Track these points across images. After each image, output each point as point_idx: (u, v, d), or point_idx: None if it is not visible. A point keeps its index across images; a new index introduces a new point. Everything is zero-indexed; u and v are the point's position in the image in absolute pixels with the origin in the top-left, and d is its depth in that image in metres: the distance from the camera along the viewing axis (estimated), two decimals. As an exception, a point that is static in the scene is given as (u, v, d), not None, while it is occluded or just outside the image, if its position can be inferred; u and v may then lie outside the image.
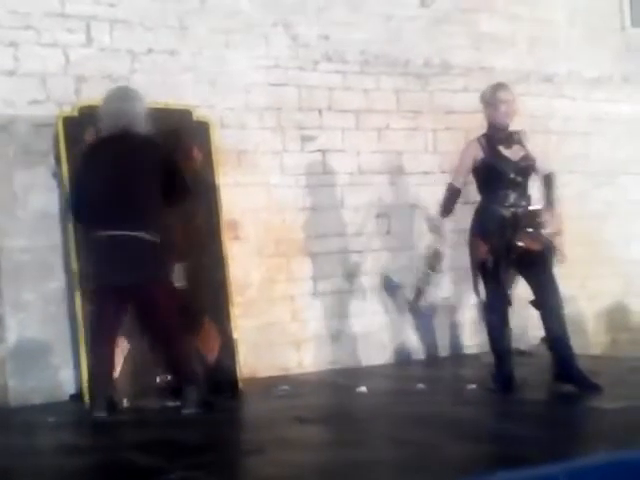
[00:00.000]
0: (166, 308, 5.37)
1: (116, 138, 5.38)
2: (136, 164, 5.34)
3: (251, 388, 6.12)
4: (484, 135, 5.70)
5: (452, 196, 5.77)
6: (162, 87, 6.38)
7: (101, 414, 5.22)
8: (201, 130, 6.44)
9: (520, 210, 5.57)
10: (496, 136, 5.66)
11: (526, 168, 5.65)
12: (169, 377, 5.78)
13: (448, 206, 5.80)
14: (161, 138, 5.80)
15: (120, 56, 6.40)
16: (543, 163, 5.78)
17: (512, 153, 5.65)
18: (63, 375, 5.96)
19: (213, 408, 5.35)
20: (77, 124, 5.97)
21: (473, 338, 7.05)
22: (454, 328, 7.41)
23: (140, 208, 5.28)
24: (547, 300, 5.50)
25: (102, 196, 5.27)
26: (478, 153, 5.64)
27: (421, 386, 5.96)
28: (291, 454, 4.22)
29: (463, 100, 7.59)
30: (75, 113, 6.03)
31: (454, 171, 5.83)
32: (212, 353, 6.08)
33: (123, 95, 5.52)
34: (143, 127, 5.43)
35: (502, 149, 5.63)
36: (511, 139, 5.69)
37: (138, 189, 5.30)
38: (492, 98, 5.66)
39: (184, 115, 6.37)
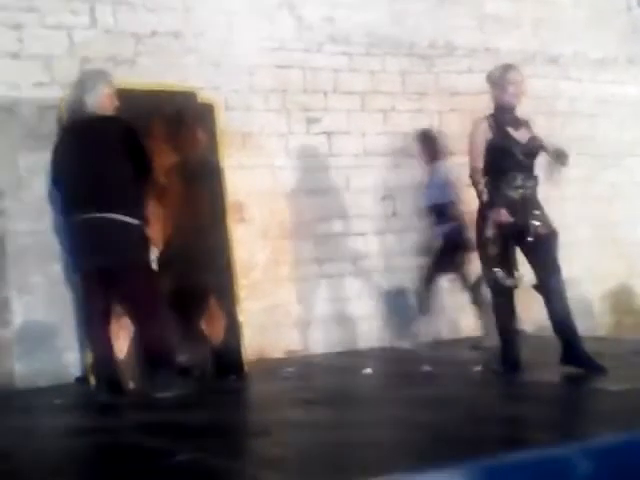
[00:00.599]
0: (140, 291, 5.35)
1: (80, 123, 5.47)
2: (100, 146, 5.38)
3: (257, 370, 6.13)
4: (491, 115, 5.65)
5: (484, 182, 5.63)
6: (166, 69, 6.36)
7: (105, 396, 5.23)
8: (206, 112, 6.42)
9: (528, 191, 5.54)
10: (504, 117, 5.62)
11: (534, 149, 5.61)
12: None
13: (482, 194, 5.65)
14: (163, 120, 5.82)
15: (124, 38, 6.38)
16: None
17: (520, 135, 5.61)
18: (69, 357, 5.97)
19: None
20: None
21: (479, 320, 7.03)
22: (460, 310, 7.40)
23: (109, 189, 5.30)
24: (550, 283, 5.48)
25: (73, 180, 5.37)
26: (487, 134, 5.58)
27: (427, 368, 5.97)
28: (297, 435, 4.22)
29: (468, 81, 7.57)
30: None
31: (471, 156, 5.69)
32: (218, 335, 6.09)
33: (85, 80, 5.53)
34: (108, 108, 5.46)
35: (511, 130, 5.59)
36: (518, 121, 5.65)
37: (106, 171, 5.32)
38: (501, 79, 5.60)
39: (188, 97, 6.35)
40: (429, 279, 6.95)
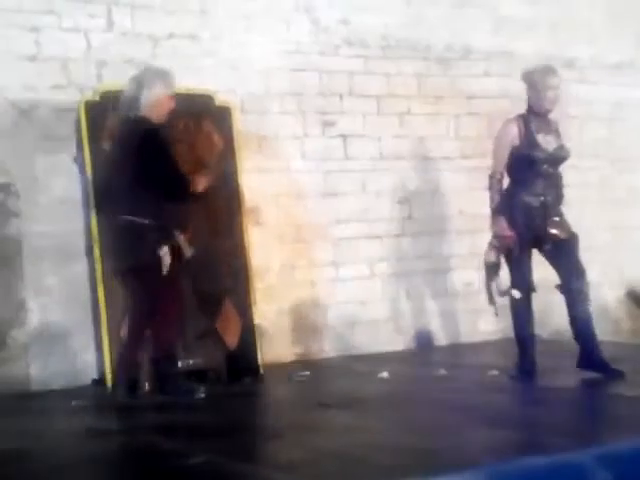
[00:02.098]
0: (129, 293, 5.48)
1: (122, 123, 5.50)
2: (119, 149, 5.46)
3: (272, 373, 6.12)
4: (522, 117, 5.55)
5: (499, 188, 5.56)
6: (183, 72, 6.33)
7: (122, 397, 5.24)
8: (222, 115, 6.42)
9: (549, 199, 5.51)
10: (535, 121, 5.53)
11: (560, 159, 5.56)
12: (191, 361, 5.80)
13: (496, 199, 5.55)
14: (179, 123, 5.83)
15: (141, 41, 6.39)
16: None
17: (548, 141, 5.53)
18: (85, 359, 5.98)
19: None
20: (99, 109, 5.96)
21: (496, 324, 7.01)
22: (476, 314, 7.38)
23: (122, 193, 5.34)
24: (572, 285, 5.45)
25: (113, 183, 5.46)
26: (515, 139, 5.49)
27: (443, 372, 5.95)
28: (312, 439, 4.22)
29: (484, 85, 7.55)
30: (97, 98, 6.03)
31: (494, 158, 5.60)
32: (233, 338, 6.08)
33: (143, 77, 5.51)
34: (161, 110, 5.44)
35: (539, 137, 5.50)
36: (550, 126, 5.58)
37: (120, 176, 5.36)
38: (540, 82, 5.49)
39: (205, 100, 6.36)
40: None
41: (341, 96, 7.16)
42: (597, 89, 8.30)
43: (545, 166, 5.50)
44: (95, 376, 5.95)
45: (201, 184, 5.51)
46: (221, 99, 6.44)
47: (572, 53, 8.22)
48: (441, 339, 7.41)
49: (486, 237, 5.76)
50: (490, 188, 5.55)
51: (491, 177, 5.56)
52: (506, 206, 5.51)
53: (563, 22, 8.21)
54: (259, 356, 6.17)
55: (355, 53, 7.24)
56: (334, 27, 7.16)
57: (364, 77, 7.25)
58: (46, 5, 6.06)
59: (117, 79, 5.88)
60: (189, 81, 6.25)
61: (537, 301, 5.62)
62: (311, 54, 7.07)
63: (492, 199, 5.53)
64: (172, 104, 5.49)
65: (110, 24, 6.30)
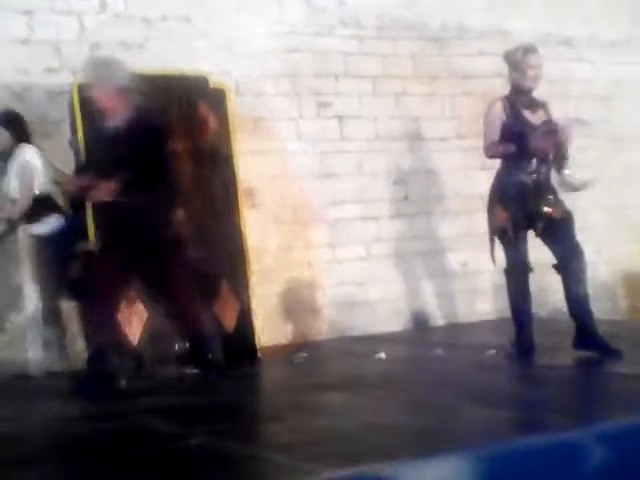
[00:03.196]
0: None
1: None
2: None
3: (269, 355, 6.12)
4: (507, 97, 5.59)
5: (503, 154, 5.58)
6: (177, 54, 6.34)
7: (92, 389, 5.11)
8: (217, 97, 6.38)
9: (541, 176, 5.50)
10: (520, 100, 5.55)
11: (549, 133, 5.55)
12: (187, 344, 5.79)
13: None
14: (174, 105, 5.80)
15: (134, 23, 6.35)
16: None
17: (536, 118, 5.55)
18: (81, 343, 5.96)
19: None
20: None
21: (492, 304, 7.01)
22: (473, 294, 7.38)
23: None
24: (570, 265, 5.45)
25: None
26: (502, 116, 5.52)
27: (440, 352, 5.95)
28: (310, 420, 4.22)
29: (480, 64, 7.53)
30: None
31: (485, 136, 5.61)
32: (230, 320, 6.08)
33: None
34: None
35: (526, 114, 5.53)
36: (535, 103, 5.60)
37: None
38: (521, 62, 5.51)
39: (199, 82, 6.32)
40: None
41: (336, 77, 7.14)
42: (594, 67, 8.28)
43: None
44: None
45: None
46: (215, 81, 6.40)
47: (568, 31, 8.20)
48: (438, 319, 7.42)
49: (481, 217, 5.75)
50: (496, 155, 5.54)
51: (488, 149, 5.56)
52: (499, 186, 5.53)
53: (559, 0, 8.17)
54: (256, 338, 6.17)
55: (350, 33, 7.21)
56: (329, 7, 7.13)
57: (359, 57, 7.23)
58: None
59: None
60: (183, 63, 6.24)
61: (535, 280, 5.61)
62: (306, 35, 7.04)
63: (507, 152, 5.49)
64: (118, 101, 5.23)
65: (103, 6, 6.28)
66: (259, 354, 6.10)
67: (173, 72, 5.99)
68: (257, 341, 6.17)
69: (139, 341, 5.73)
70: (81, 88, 5.91)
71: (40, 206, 5.82)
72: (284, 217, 6.84)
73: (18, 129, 5.84)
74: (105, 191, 5.00)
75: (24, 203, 5.78)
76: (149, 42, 6.39)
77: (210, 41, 6.63)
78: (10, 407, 4.89)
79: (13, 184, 5.82)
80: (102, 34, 6.19)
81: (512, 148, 5.41)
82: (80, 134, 5.88)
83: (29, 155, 5.79)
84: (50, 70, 6.05)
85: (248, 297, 6.21)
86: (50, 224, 5.84)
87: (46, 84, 6.00)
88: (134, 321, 5.64)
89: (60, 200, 5.94)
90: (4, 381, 5.45)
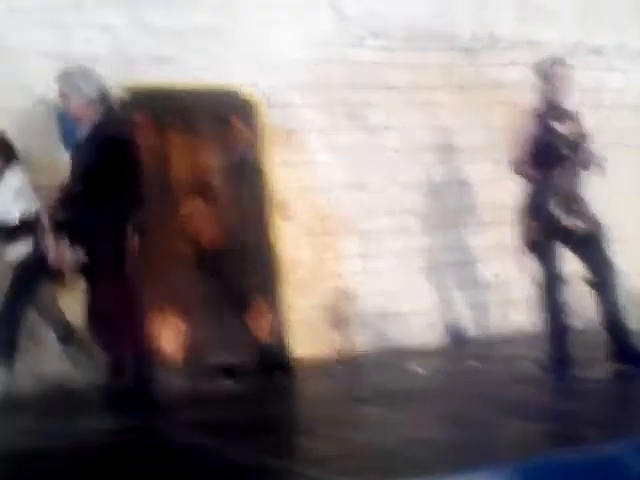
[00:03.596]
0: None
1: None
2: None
3: (303, 367, 6.11)
4: (536, 109, 5.59)
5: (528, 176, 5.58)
6: (208, 66, 6.36)
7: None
8: (248, 109, 6.42)
9: (571, 187, 5.48)
10: (550, 111, 5.55)
11: (578, 144, 5.53)
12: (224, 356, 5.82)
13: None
14: (205, 118, 5.83)
15: (165, 36, 6.39)
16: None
17: (565, 129, 5.54)
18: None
19: None
20: (127, 106, 5.96)
21: (527, 316, 6.95)
22: (507, 305, 7.33)
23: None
24: (601, 278, 5.42)
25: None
26: (532, 128, 5.53)
27: (475, 364, 5.92)
28: (346, 434, 4.21)
29: (510, 74, 7.49)
30: (125, 94, 6.03)
31: (516, 148, 5.59)
32: (263, 333, 6.09)
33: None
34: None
35: (556, 125, 5.52)
36: (565, 114, 5.59)
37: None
38: (550, 74, 5.55)
39: (230, 95, 6.36)
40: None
41: (366, 88, 7.12)
42: (625, 77, 8.22)
43: (565, 151, 5.49)
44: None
45: None
46: (246, 93, 6.43)
47: (598, 40, 8.14)
48: (472, 331, 7.37)
49: (513, 229, 5.73)
50: (523, 175, 5.54)
51: (517, 166, 5.55)
52: (530, 197, 5.53)
53: (589, 10, 8.13)
54: (290, 350, 6.17)
55: (380, 44, 7.20)
56: (358, 18, 7.13)
57: (389, 68, 7.21)
58: (72, 2, 6.07)
59: (143, 75, 5.89)
60: (214, 76, 6.27)
61: (571, 291, 5.58)
62: (336, 45, 7.05)
63: (533, 179, 5.49)
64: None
65: (135, 20, 6.30)
66: (293, 366, 6.09)
67: (204, 86, 6.01)
68: (291, 353, 6.17)
69: (177, 354, 5.74)
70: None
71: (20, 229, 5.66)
72: (316, 229, 6.84)
73: (6, 151, 5.74)
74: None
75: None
76: (180, 55, 6.40)
77: (240, 53, 6.64)
78: (51, 421, 4.91)
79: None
80: (134, 48, 6.22)
81: (539, 177, 5.42)
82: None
83: (17, 177, 5.69)
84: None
85: (281, 308, 6.23)
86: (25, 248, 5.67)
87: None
88: (170, 335, 5.65)
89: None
90: (44, 394, 5.46)
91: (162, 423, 4.72)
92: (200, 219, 5.99)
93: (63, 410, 5.23)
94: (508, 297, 7.09)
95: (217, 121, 6.11)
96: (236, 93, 6.37)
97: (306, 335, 6.53)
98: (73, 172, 5.10)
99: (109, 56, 6.14)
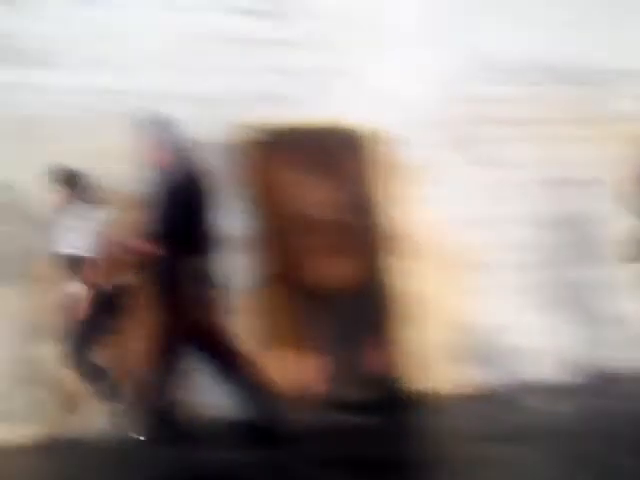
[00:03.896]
0: None
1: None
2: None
3: (424, 402, 6.04)
4: None
5: None
6: (330, 103, 6.43)
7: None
8: (370, 146, 6.44)
9: None
10: None
11: None
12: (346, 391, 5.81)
13: None
14: (326, 154, 5.89)
15: (286, 75, 6.49)
16: None
17: None
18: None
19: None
20: (260, 146, 6.11)
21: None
22: (631, 342, 7.12)
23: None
24: None
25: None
26: None
27: (608, 403, 5.72)
28: (476, 473, 4.13)
29: (636, 107, 7.32)
30: (256, 135, 6.15)
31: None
32: (384, 367, 6.05)
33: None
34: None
35: None
36: None
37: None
38: None
39: (351, 132, 6.40)
40: None
41: (491, 122, 7.06)
42: None
43: None
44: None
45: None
46: (368, 130, 6.46)
47: None
48: (602, 368, 7.17)
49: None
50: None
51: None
52: None
53: None
54: (412, 385, 6.11)
55: (503, 78, 7.13)
56: (482, 54, 7.09)
57: (512, 103, 7.13)
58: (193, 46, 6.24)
59: (264, 114, 6.01)
60: (336, 112, 6.32)
61: None
62: (459, 82, 7.02)
63: None
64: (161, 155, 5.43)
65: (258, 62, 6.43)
66: (415, 401, 6.01)
67: (325, 122, 6.08)
68: (413, 388, 6.11)
69: (312, 388, 5.76)
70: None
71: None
72: (440, 263, 6.78)
73: (76, 186, 5.82)
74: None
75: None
76: (300, 92, 6.48)
77: (365, 90, 6.69)
78: (180, 452, 4.96)
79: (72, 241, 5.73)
80: (253, 87, 6.33)
81: None
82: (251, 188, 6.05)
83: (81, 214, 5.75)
84: (213, 124, 6.21)
85: (403, 343, 6.19)
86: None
87: (214, 139, 6.19)
88: (303, 369, 5.68)
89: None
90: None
91: (289, 457, 4.71)
92: (321, 255, 6.04)
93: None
94: (632, 333, 6.87)
95: (338, 158, 6.14)
96: (356, 130, 6.41)
97: (427, 370, 6.46)
98: (148, 216, 5.30)
99: (229, 94, 6.28)
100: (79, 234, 5.66)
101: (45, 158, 5.79)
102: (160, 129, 5.42)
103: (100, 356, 5.66)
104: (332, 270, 6.19)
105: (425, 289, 6.75)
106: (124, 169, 5.83)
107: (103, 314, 5.65)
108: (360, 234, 6.31)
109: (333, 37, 6.70)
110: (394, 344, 6.20)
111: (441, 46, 7.02)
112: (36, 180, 5.79)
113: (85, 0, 6.21)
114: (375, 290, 6.26)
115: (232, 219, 6.14)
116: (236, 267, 6.10)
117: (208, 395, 5.87)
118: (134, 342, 5.60)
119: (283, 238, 6.19)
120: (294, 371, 5.82)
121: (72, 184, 5.78)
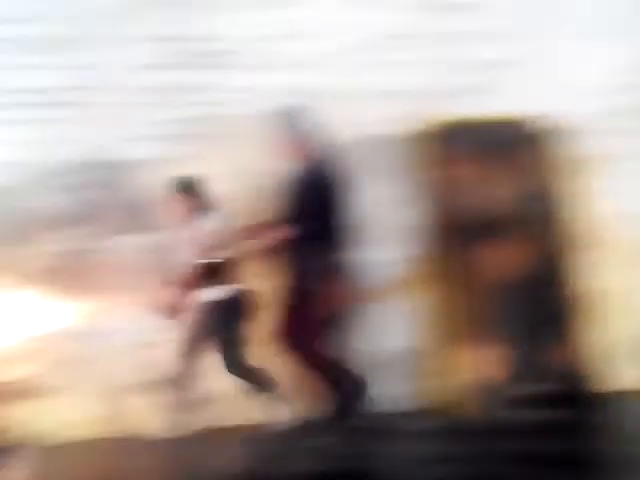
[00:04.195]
0: None
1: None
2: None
3: (605, 400, 5.92)
4: None
5: None
6: (515, 96, 6.39)
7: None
8: (549, 138, 6.38)
9: None
10: None
11: None
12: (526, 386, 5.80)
13: None
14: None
15: (469, 68, 6.49)
16: None
17: None
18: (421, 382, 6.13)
19: None
20: (438, 140, 6.18)
21: None
22: None
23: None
24: None
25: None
26: None
27: None
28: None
29: None
30: (429, 129, 6.21)
31: None
32: (565, 363, 6.00)
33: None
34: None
35: None
36: None
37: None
38: None
39: (529, 124, 6.35)
40: None
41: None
42: None
43: None
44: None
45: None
46: (548, 121, 6.37)
47: None
48: None
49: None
50: None
51: None
52: None
53: None
54: (593, 382, 6.02)
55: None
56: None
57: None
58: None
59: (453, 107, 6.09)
60: (525, 105, 6.27)
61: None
62: (636, 72, 6.81)
63: None
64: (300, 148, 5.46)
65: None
66: (596, 398, 5.93)
67: (503, 116, 6.08)
68: (594, 385, 6.01)
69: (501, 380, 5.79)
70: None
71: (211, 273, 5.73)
72: (624, 257, 6.62)
73: (197, 194, 5.82)
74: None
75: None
76: (485, 86, 6.47)
77: (538, 81, 6.61)
78: (370, 444, 5.07)
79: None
80: (445, 81, 6.38)
81: None
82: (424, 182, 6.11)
83: (207, 222, 5.76)
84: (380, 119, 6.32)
85: (585, 340, 6.11)
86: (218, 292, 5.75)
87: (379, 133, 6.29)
88: (493, 360, 5.72)
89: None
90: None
91: (477, 452, 4.73)
92: (500, 250, 6.05)
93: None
94: None
95: (514, 150, 6.13)
96: (541, 121, 6.34)
97: (611, 366, 6.33)
98: (283, 209, 5.39)
99: (419, 89, 6.35)
100: (204, 241, 5.69)
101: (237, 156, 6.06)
102: (299, 122, 5.48)
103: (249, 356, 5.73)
104: (511, 264, 6.18)
105: (608, 284, 6.61)
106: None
107: (236, 317, 5.71)
108: (540, 228, 6.26)
109: (511, 29, 6.66)
110: (577, 339, 6.12)
111: (618, 35, 6.84)
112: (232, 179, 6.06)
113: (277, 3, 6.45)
114: (557, 285, 6.20)
115: (395, 212, 6.29)
116: (397, 260, 6.23)
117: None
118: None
119: (461, 232, 6.22)
120: (475, 365, 5.84)
121: (194, 192, 5.80)
